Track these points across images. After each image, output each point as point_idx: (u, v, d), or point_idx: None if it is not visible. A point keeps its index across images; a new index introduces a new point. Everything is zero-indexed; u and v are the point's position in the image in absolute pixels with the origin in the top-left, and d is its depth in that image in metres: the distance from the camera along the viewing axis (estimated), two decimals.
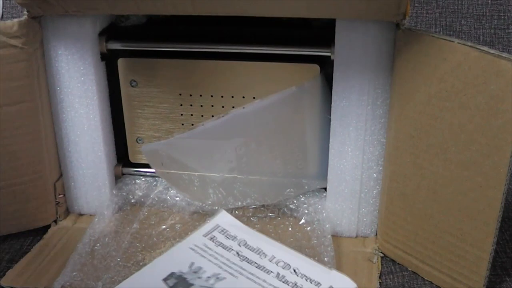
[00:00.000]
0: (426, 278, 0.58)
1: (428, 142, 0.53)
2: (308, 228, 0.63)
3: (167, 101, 0.65)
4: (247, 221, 0.64)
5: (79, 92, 0.63)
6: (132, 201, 0.68)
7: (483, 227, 0.52)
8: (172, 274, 0.53)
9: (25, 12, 0.58)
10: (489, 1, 0.86)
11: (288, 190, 0.64)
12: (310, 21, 0.63)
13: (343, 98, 0.58)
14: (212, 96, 0.64)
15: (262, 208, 0.66)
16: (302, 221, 0.64)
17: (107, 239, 0.62)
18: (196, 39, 0.62)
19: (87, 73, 0.62)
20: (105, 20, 0.64)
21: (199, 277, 0.53)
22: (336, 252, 0.59)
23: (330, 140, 0.60)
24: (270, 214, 0.66)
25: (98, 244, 0.61)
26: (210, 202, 0.65)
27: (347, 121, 0.59)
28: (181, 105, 0.65)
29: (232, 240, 0.59)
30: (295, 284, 0.52)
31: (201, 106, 0.65)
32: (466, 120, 0.50)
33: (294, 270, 0.54)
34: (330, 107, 0.59)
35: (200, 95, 0.64)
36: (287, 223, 0.64)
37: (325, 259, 0.57)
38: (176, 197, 0.67)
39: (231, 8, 0.53)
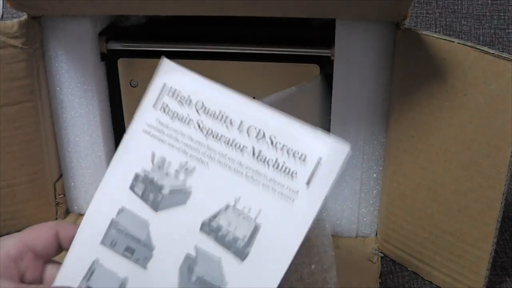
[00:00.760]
0: (426, 278, 0.58)
1: (428, 142, 0.53)
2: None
3: None
4: None
5: (79, 92, 0.63)
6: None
7: (483, 227, 0.52)
8: (136, 178, 0.44)
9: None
10: (489, 1, 0.86)
11: None
12: (310, 21, 0.63)
13: (343, 98, 0.58)
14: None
15: None
16: None
17: None
18: (196, 39, 0.62)
19: (87, 73, 0.62)
20: (105, 20, 0.64)
21: (166, 174, 0.44)
22: (336, 252, 0.59)
23: None
24: None
25: None
26: None
27: (346, 121, 0.59)
28: None
29: (188, 105, 0.45)
30: (276, 162, 0.41)
31: None
32: (466, 120, 0.50)
33: (271, 139, 0.42)
34: (330, 107, 0.59)
35: None
36: None
37: (325, 259, 0.57)
38: None
39: (231, 8, 0.53)
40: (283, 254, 0.40)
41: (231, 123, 0.44)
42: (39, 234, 0.44)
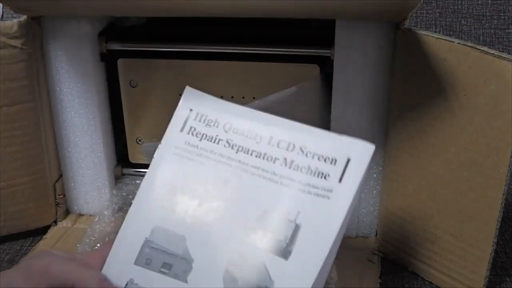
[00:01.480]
0: (426, 278, 0.58)
1: (428, 142, 0.53)
2: None
3: (167, 101, 0.65)
4: None
5: (79, 93, 0.63)
6: (132, 201, 0.68)
7: (483, 227, 0.52)
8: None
9: None
10: (489, 1, 0.86)
11: None
12: (310, 21, 0.63)
13: (343, 98, 0.58)
14: None
15: None
16: None
17: (107, 239, 0.62)
18: (196, 40, 0.62)
19: (87, 74, 0.62)
20: (105, 20, 0.64)
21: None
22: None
23: None
24: None
25: (98, 245, 0.61)
26: None
27: (346, 121, 0.59)
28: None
29: (216, 127, 0.47)
30: (309, 168, 0.43)
31: None
32: (466, 120, 0.50)
33: (301, 150, 0.44)
34: (330, 107, 0.59)
35: None
36: None
37: None
38: None
39: (231, 9, 0.53)
40: (322, 246, 0.41)
41: (260, 138, 0.46)
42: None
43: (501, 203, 0.50)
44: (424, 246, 0.57)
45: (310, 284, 0.40)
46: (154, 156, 0.47)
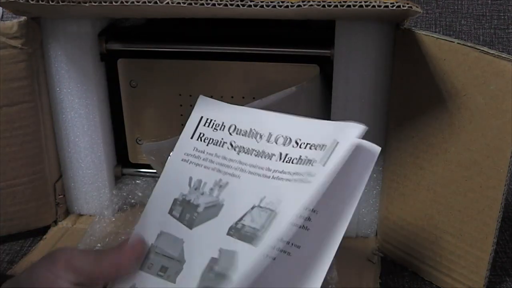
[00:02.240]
0: (426, 278, 0.58)
1: (428, 142, 0.53)
2: None
3: (167, 102, 0.65)
4: None
5: (78, 93, 0.63)
6: (132, 201, 0.68)
7: (483, 227, 0.52)
8: (175, 202, 0.48)
9: None
10: (489, 1, 0.86)
11: None
12: (309, 21, 0.63)
13: (342, 98, 0.58)
14: (212, 96, 0.64)
15: None
16: None
17: (107, 239, 0.62)
18: (196, 40, 0.62)
19: (87, 74, 0.62)
20: (105, 20, 0.64)
21: (202, 194, 0.48)
22: (336, 252, 0.59)
23: None
24: None
25: (98, 245, 0.61)
26: None
27: (346, 121, 0.59)
28: (181, 105, 0.65)
29: (221, 129, 0.50)
30: (299, 158, 0.45)
31: None
32: (466, 120, 0.50)
33: (296, 142, 0.46)
34: (330, 107, 0.59)
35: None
36: None
37: None
38: None
39: (230, 12, 0.53)
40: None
41: (260, 137, 0.48)
42: None
43: (501, 203, 0.50)
44: (424, 246, 0.57)
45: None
46: (166, 164, 0.50)
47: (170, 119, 0.66)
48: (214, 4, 0.45)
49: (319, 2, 0.45)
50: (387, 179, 0.59)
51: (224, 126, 0.50)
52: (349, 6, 0.45)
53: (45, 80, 0.62)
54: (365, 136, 0.60)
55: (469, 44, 0.48)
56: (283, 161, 0.46)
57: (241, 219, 0.45)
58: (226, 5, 0.45)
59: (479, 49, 0.48)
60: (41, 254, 0.61)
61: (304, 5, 0.45)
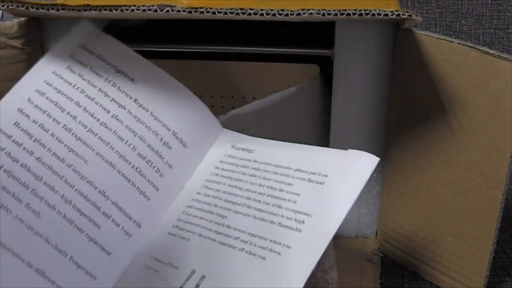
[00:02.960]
0: (426, 278, 0.58)
1: (428, 142, 0.53)
2: None
3: None
4: None
5: None
6: None
7: (483, 227, 0.52)
8: None
9: None
10: (489, 1, 0.86)
11: None
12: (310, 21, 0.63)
13: (342, 98, 0.58)
14: (212, 96, 0.64)
15: None
16: None
17: None
18: (196, 40, 0.62)
19: None
20: (105, 20, 0.64)
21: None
22: (336, 252, 0.59)
23: (330, 140, 0.60)
24: None
25: None
26: None
27: (346, 121, 0.59)
28: None
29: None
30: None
31: None
32: (466, 120, 0.50)
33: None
34: (330, 107, 0.59)
35: (200, 96, 0.64)
36: None
37: (326, 259, 0.57)
38: None
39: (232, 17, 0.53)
40: None
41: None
42: None
43: (501, 203, 0.50)
44: (424, 246, 0.57)
45: None
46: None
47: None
48: (214, 13, 0.46)
49: (319, 10, 0.45)
50: (387, 179, 0.59)
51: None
52: (348, 14, 0.45)
53: None
54: (365, 136, 0.61)
55: (469, 44, 0.48)
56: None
57: None
58: (226, 13, 0.46)
59: (479, 49, 0.48)
60: None
61: (304, 13, 0.45)
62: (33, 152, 0.42)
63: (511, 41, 0.86)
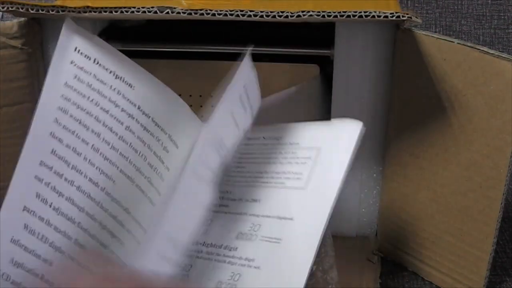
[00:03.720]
0: (426, 278, 0.58)
1: (428, 142, 0.53)
2: None
3: None
4: None
5: None
6: None
7: (483, 227, 0.52)
8: None
9: None
10: (489, 1, 0.86)
11: None
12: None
13: (342, 98, 0.58)
14: (212, 96, 0.64)
15: None
16: None
17: None
18: (196, 40, 0.62)
19: None
20: (105, 20, 0.64)
21: None
22: (336, 252, 0.59)
23: None
24: None
25: None
26: None
27: None
28: None
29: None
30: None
31: (201, 106, 0.65)
32: (466, 120, 0.50)
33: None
34: (330, 107, 0.59)
35: (200, 96, 0.64)
36: None
37: (326, 259, 0.57)
38: None
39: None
40: None
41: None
42: None
43: (501, 203, 0.50)
44: (424, 246, 0.57)
45: None
46: None
47: None
48: (213, 14, 0.46)
49: (319, 12, 0.45)
50: (387, 179, 0.59)
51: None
52: (348, 16, 0.45)
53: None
54: (365, 136, 0.60)
55: (469, 44, 0.48)
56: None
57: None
58: (225, 15, 0.46)
59: (479, 49, 0.48)
60: None
61: (304, 15, 0.45)
62: (63, 175, 0.42)
63: (511, 41, 0.86)
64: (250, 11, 0.46)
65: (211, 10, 0.46)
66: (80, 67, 0.45)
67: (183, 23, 0.63)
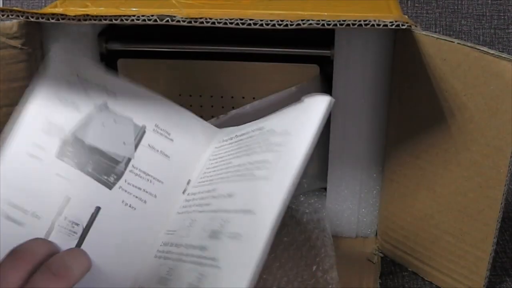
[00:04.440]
0: (426, 278, 0.58)
1: (428, 142, 0.53)
2: (308, 228, 0.63)
3: None
4: None
5: None
6: None
7: (483, 227, 0.52)
8: None
9: None
10: (489, 1, 0.86)
11: None
12: None
13: (342, 98, 0.58)
14: (212, 96, 0.64)
15: None
16: (302, 220, 0.64)
17: None
18: (196, 40, 0.62)
19: None
20: None
21: None
22: (336, 252, 0.59)
23: (330, 140, 0.60)
24: None
25: None
26: None
27: (346, 122, 0.59)
28: (181, 105, 0.65)
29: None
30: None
31: (201, 106, 0.65)
32: (466, 121, 0.50)
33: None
34: None
35: (200, 96, 0.64)
36: (286, 222, 0.64)
37: (326, 259, 0.57)
38: None
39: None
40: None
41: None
42: None
43: (501, 203, 0.50)
44: (424, 246, 0.57)
45: None
46: None
47: None
48: (213, 23, 0.46)
49: (318, 21, 0.46)
50: (387, 179, 0.59)
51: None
52: (348, 25, 0.46)
53: None
54: (365, 136, 0.61)
55: (469, 44, 0.48)
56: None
57: None
58: (225, 23, 0.46)
59: (479, 49, 0.48)
60: None
61: (304, 23, 0.46)
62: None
63: (511, 41, 0.86)
64: (250, 19, 0.46)
65: (210, 19, 0.46)
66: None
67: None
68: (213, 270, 0.38)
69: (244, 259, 0.36)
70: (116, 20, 0.47)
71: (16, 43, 0.58)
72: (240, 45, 0.61)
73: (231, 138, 0.49)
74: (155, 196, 0.47)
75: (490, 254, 0.52)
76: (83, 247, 0.43)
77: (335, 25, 0.46)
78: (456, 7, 0.86)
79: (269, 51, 0.61)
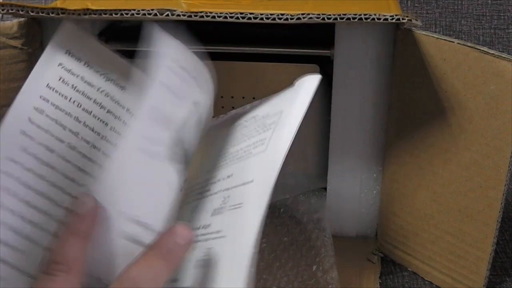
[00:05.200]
0: (426, 279, 0.58)
1: (428, 142, 0.53)
2: (308, 228, 0.63)
3: None
4: None
5: None
6: None
7: (483, 227, 0.52)
8: None
9: None
10: (489, 1, 0.86)
11: (288, 189, 0.64)
12: None
13: (342, 98, 0.58)
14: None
15: None
16: (302, 220, 0.64)
17: None
18: (196, 40, 0.62)
19: None
20: (105, 21, 0.64)
21: None
22: (336, 252, 0.59)
23: (330, 140, 0.60)
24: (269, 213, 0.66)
25: None
26: None
27: (346, 122, 0.59)
28: None
29: None
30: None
31: None
32: (466, 121, 0.50)
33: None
34: (330, 107, 0.59)
35: None
36: (286, 222, 0.64)
37: (326, 260, 0.58)
38: None
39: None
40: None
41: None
42: None
43: (501, 203, 0.50)
44: (424, 246, 0.57)
45: None
46: None
47: None
48: (214, 17, 0.46)
49: (319, 15, 0.45)
50: (387, 179, 0.59)
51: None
52: (348, 19, 0.45)
53: None
54: (365, 136, 0.61)
55: (469, 44, 0.48)
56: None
57: None
58: (226, 17, 0.46)
59: (479, 49, 0.48)
60: None
61: (304, 17, 0.45)
62: (36, 172, 0.42)
63: (511, 41, 0.86)
64: (250, 13, 0.46)
65: (211, 13, 0.46)
66: (67, 69, 0.45)
67: (183, 23, 0.63)
68: (219, 241, 0.39)
69: (247, 221, 0.38)
70: (116, 14, 0.46)
71: (16, 43, 0.58)
72: (240, 45, 0.61)
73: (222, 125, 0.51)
74: None
75: (490, 254, 0.52)
76: None
77: (336, 19, 0.45)
78: (456, 7, 0.86)
79: (269, 51, 0.61)
